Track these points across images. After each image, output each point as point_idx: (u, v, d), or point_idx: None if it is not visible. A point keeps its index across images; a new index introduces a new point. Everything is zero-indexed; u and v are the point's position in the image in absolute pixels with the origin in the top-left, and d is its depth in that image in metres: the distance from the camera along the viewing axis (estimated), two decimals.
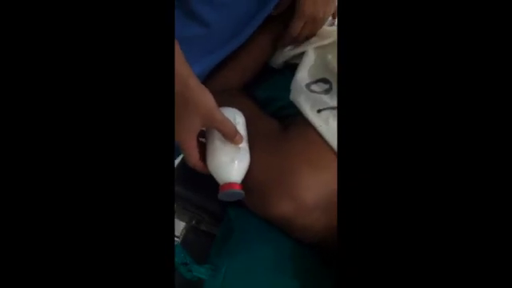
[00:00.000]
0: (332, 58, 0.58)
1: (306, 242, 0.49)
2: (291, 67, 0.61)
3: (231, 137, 0.46)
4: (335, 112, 0.49)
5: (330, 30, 0.64)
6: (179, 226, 0.76)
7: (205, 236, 0.59)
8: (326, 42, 0.61)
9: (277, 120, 0.55)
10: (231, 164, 0.47)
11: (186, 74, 0.43)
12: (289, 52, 0.64)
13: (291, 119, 0.53)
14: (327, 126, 0.47)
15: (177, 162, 0.67)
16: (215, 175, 0.47)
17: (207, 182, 0.49)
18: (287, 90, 0.55)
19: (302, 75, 0.57)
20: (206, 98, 0.45)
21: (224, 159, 0.46)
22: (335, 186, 0.45)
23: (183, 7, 0.52)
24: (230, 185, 0.46)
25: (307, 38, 0.63)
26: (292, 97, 0.54)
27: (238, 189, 0.46)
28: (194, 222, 0.62)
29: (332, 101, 0.51)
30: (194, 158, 0.46)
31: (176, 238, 0.74)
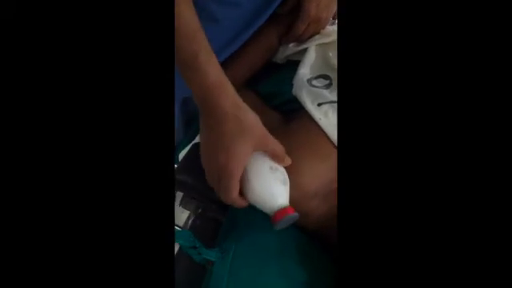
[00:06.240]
0: (332, 56, 0.60)
1: (308, 229, 0.52)
2: (293, 63, 0.64)
3: (282, 158, 0.44)
4: (334, 105, 0.51)
5: (331, 29, 0.67)
6: (185, 215, 0.79)
7: (212, 222, 0.62)
8: (327, 40, 0.64)
9: (280, 113, 0.58)
10: (283, 188, 0.43)
11: (232, 92, 0.41)
12: (292, 48, 0.67)
13: (294, 113, 0.56)
14: (327, 118, 0.50)
15: (183, 153, 0.70)
16: (262, 204, 0.43)
17: None
18: (290, 84, 0.58)
19: (304, 71, 0.59)
20: (258, 119, 0.42)
21: (275, 184, 0.42)
22: (334, 175, 0.49)
23: (194, 5, 0.55)
24: (286, 211, 0.42)
25: (310, 36, 0.66)
26: (294, 91, 0.56)
27: (293, 213, 0.42)
28: (200, 210, 0.65)
29: (332, 95, 0.54)
30: (236, 191, 0.41)
31: (179, 228, 0.77)
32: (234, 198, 0.42)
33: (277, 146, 0.43)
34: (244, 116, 0.41)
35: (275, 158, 0.44)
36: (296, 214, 0.42)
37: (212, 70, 0.41)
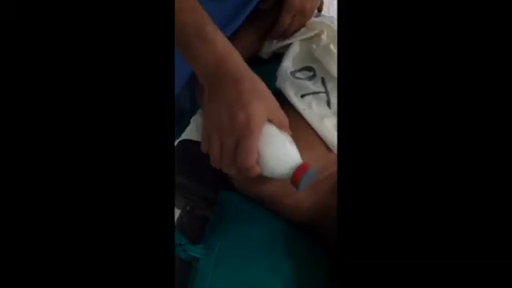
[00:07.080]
0: (316, 48, 0.60)
1: (297, 221, 0.52)
2: (279, 56, 0.64)
3: (287, 129, 0.44)
4: (318, 96, 0.51)
5: (316, 22, 0.67)
6: (178, 213, 0.78)
7: (199, 219, 0.61)
8: (311, 34, 0.64)
9: None
10: (294, 147, 0.43)
11: (241, 58, 0.42)
12: (276, 44, 0.66)
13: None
14: (310, 109, 0.50)
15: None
16: (278, 166, 0.42)
17: (202, 170, 0.50)
18: (274, 77, 0.58)
19: (288, 64, 0.59)
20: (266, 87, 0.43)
21: (287, 144, 0.43)
22: (319, 165, 0.48)
23: None
24: (304, 167, 0.42)
25: (296, 31, 0.66)
26: (278, 84, 0.56)
27: (311, 168, 0.42)
28: (188, 207, 0.64)
29: (315, 86, 0.54)
30: (256, 153, 0.40)
31: None
32: (254, 161, 0.40)
33: (283, 115, 0.43)
34: (257, 79, 0.41)
35: (281, 127, 0.44)
36: (313, 168, 0.41)
37: (220, 38, 0.43)
